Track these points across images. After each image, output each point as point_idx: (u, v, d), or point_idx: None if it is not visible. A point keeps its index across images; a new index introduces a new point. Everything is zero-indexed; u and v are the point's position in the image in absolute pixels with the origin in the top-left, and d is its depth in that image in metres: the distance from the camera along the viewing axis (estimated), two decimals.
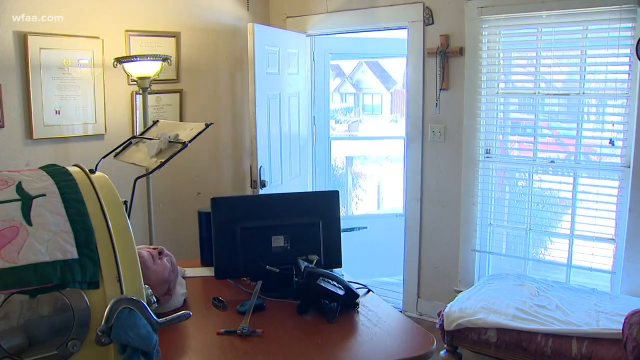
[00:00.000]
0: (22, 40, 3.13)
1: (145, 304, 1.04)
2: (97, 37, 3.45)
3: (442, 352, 3.06)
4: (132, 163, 2.78)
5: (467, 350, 3.03)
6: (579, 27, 3.30)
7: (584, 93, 3.34)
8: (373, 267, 4.79)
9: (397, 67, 5.16)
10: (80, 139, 3.47)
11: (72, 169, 1.22)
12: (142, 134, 2.97)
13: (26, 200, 1.08)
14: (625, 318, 2.54)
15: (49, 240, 1.03)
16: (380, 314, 1.96)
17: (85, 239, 1.05)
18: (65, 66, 3.33)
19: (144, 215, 3.50)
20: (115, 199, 1.15)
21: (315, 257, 2.13)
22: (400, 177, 4.39)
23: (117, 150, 2.86)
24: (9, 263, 0.97)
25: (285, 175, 4.20)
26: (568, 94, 3.45)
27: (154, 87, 3.57)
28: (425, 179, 3.92)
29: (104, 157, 2.58)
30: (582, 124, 3.42)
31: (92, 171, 1.22)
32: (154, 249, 1.98)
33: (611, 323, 2.70)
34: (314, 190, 4.55)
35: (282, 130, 4.13)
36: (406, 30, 3.87)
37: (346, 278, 2.20)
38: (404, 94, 4.94)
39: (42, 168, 1.24)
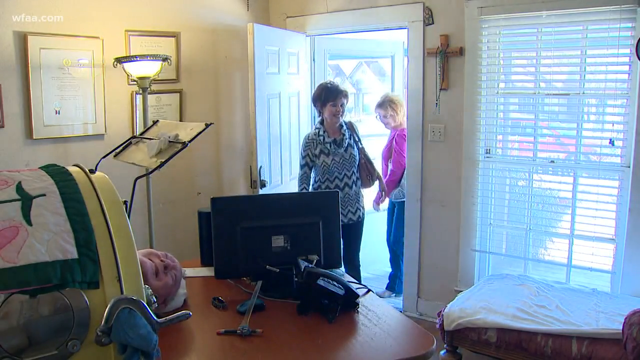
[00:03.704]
0: (22, 40, 3.14)
1: (145, 304, 1.04)
2: (97, 37, 3.45)
3: (442, 352, 3.06)
4: (132, 163, 2.78)
5: (467, 350, 3.03)
6: (579, 27, 3.30)
7: (584, 93, 3.34)
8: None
9: (392, 68, 5.17)
10: (80, 139, 3.47)
11: (72, 169, 1.22)
12: (142, 134, 2.97)
13: (26, 200, 1.08)
14: (625, 318, 2.54)
15: (49, 240, 1.03)
16: (380, 314, 1.96)
17: (85, 239, 1.05)
18: (65, 66, 3.33)
19: (144, 215, 3.50)
20: (115, 199, 1.15)
21: (315, 257, 2.13)
22: None
23: (117, 150, 2.86)
24: (9, 263, 0.97)
25: (285, 175, 4.20)
26: (568, 94, 3.45)
27: (154, 87, 3.57)
28: (425, 179, 3.92)
29: (104, 157, 2.58)
30: (582, 124, 3.42)
31: (92, 171, 1.22)
32: (161, 260, 1.93)
33: (611, 323, 2.70)
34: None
35: (282, 130, 4.13)
36: (405, 30, 3.87)
37: (346, 278, 2.20)
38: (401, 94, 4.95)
39: (42, 168, 1.24)
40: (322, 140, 3.72)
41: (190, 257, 2.65)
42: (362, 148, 3.86)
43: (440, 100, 3.74)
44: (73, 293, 1.01)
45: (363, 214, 3.89)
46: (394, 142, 4.33)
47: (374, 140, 4.65)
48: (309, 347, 1.74)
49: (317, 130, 3.76)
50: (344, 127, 3.80)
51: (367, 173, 3.86)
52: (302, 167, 3.80)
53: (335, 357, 1.74)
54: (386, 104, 4.35)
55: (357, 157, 3.80)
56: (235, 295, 2.11)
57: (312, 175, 3.80)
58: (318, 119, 3.84)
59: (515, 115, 3.76)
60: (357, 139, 3.84)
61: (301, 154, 3.80)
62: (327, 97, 3.71)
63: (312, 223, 2.19)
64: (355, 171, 3.79)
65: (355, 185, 3.80)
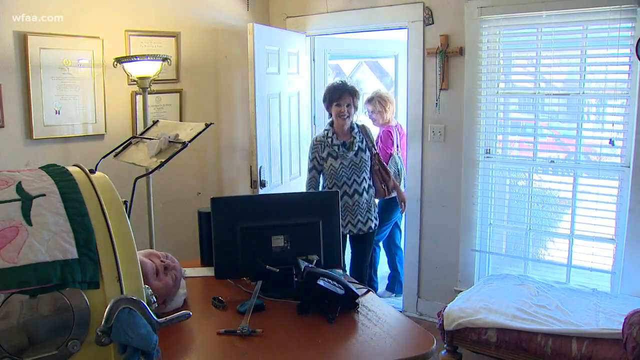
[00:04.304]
0: (22, 40, 3.14)
1: (145, 304, 1.04)
2: (97, 37, 3.45)
3: (442, 352, 3.06)
4: (132, 163, 2.78)
5: (467, 350, 3.03)
6: (579, 27, 3.31)
7: (584, 93, 3.34)
8: None
9: (396, 68, 5.18)
10: (80, 139, 3.47)
11: (72, 169, 1.22)
12: (142, 134, 2.97)
13: (26, 200, 1.08)
14: (625, 318, 2.54)
15: (49, 240, 1.03)
16: (380, 314, 1.96)
17: (85, 239, 1.05)
18: (65, 66, 3.33)
19: (144, 215, 3.50)
20: (115, 199, 1.15)
21: (315, 257, 2.13)
22: None
23: (117, 150, 2.87)
24: (9, 263, 0.97)
25: (285, 175, 4.20)
26: (568, 94, 3.45)
27: (154, 87, 3.57)
28: (425, 179, 3.92)
29: (104, 157, 2.59)
30: (582, 124, 3.42)
31: (92, 171, 1.22)
32: (161, 260, 1.93)
33: (611, 323, 2.70)
34: None
35: (282, 130, 4.13)
36: (406, 30, 3.87)
37: (346, 278, 2.20)
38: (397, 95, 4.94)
39: (42, 168, 1.24)
40: (330, 142, 3.49)
41: (190, 257, 2.65)
42: (377, 154, 3.62)
43: (440, 100, 3.74)
44: (73, 293, 1.01)
45: (375, 225, 3.63)
46: (379, 140, 4.24)
47: None
48: (309, 347, 1.74)
49: (325, 132, 3.54)
50: (356, 130, 3.55)
51: (381, 180, 3.59)
52: (309, 170, 3.58)
53: (335, 357, 1.74)
54: (375, 100, 4.29)
55: (369, 163, 3.55)
56: (235, 295, 2.11)
57: (321, 181, 3.59)
58: (328, 121, 3.63)
59: (515, 115, 3.76)
60: (370, 144, 3.59)
61: (308, 157, 3.60)
62: (332, 96, 3.50)
63: (312, 223, 2.19)
64: (366, 178, 3.53)
65: (367, 193, 3.53)
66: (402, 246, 4.51)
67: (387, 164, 4.10)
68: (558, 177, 3.61)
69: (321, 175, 3.58)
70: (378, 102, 4.28)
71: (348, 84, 3.57)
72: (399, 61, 5.02)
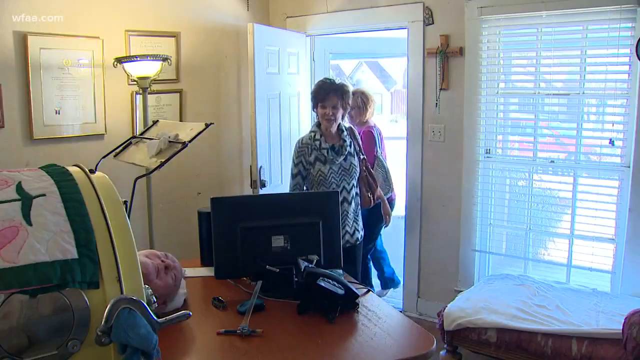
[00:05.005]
0: (22, 40, 3.14)
1: (145, 304, 1.04)
2: (97, 37, 3.45)
3: (442, 352, 3.06)
4: (132, 163, 2.78)
5: (467, 350, 3.03)
6: (579, 27, 3.31)
7: (584, 93, 3.34)
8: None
9: (397, 67, 5.17)
10: (80, 139, 3.47)
11: (72, 169, 1.22)
12: (142, 134, 2.98)
13: (26, 200, 1.08)
14: (625, 318, 2.54)
15: (49, 240, 1.03)
16: (380, 314, 1.96)
17: (85, 239, 1.05)
18: (65, 66, 3.33)
19: (144, 215, 3.50)
20: (115, 199, 1.15)
21: (315, 257, 2.13)
22: (400, 176, 4.31)
23: (117, 150, 2.87)
24: (9, 263, 0.97)
25: (285, 175, 4.19)
26: (568, 94, 3.45)
27: (154, 87, 3.57)
28: (425, 179, 3.92)
29: (104, 157, 2.59)
30: (582, 124, 3.42)
31: (92, 171, 1.22)
32: (162, 260, 1.94)
33: (611, 323, 2.70)
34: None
35: (282, 130, 4.13)
36: (406, 30, 3.87)
37: (346, 278, 2.20)
38: (404, 94, 4.90)
39: (42, 168, 1.24)
40: (317, 145, 3.17)
41: (190, 257, 2.65)
42: (364, 159, 3.34)
43: (440, 100, 3.74)
44: (73, 293, 1.01)
45: (362, 235, 3.35)
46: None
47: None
48: (309, 347, 1.74)
49: (312, 134, 3.22)
50: (345, 133, 3.26)
51: (367, 188, 3.32)
52: (293, 176, 3.24)
53: (335, 357, 1.74)
54: (357, 95, 3.97)
55: (358, 168, 3.28)
56: (235, 295, 2.11)
57: (305, 188, 3.27)
58: (315, 122, 3.35)
59: (515, 115, 3.76)
60: (357, 149, 3.32)
61: (293, 162, 3.25)
62: (316, 97, 3.22)
63: (312, 223, 2.19)
64: (355, 184, 3.26)
65: (355, 202, 3.27)
66: (384, 247, 4.40)
67: (373, 169, 3.72)
68: (558, 177, 3.61)
69: (305, 182, 3.27)
70: (360, 97, 4.01)
71: (336, 81, 3.27)
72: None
